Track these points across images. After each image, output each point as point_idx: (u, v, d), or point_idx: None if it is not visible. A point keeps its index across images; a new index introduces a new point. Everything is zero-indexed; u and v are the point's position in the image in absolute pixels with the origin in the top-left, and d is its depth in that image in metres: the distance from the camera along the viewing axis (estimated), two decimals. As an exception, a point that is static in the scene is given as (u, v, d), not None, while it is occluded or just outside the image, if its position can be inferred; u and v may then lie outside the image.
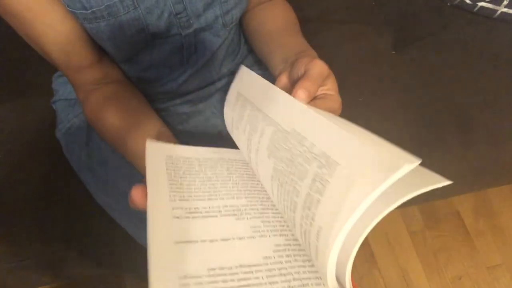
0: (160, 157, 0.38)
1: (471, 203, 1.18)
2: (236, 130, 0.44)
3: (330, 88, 0.38)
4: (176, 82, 0.60)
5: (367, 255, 1.09)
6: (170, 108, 0.63)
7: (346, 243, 0.24)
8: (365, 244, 1.11)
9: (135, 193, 0.32)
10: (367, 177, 0.23)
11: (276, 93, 0.37)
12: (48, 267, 0.74)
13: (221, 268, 0.27)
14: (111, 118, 0.50)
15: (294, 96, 0.35)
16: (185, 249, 0.28)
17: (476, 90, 0.81)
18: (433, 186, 0.22)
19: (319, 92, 0.38)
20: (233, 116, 0.45)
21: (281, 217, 0.35)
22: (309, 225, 0.27)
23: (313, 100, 0.37)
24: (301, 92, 0.34)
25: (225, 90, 0.65)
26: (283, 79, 0.41)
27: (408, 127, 0.77)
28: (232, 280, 0.26)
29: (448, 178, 0.22)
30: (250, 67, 0.68)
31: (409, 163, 0.21)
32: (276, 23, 0.57)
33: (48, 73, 0.70)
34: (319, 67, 0.37)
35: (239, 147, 0.44)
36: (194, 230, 0.30)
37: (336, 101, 0.38)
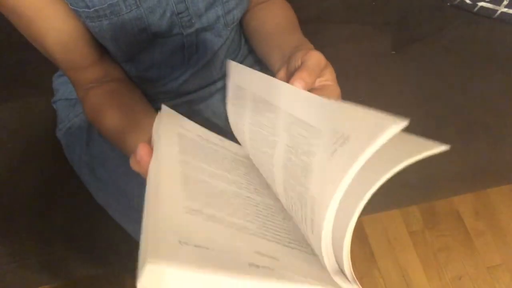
0: (174, 126, 0.39)
1: (471, 203, 1.17)
2: (238, 125, 0.44)
3: (328, 78, 0.38)
4: (177, 82, 0.60)
5: (367, 254, 1.09)
6: (171, 108, 0.63)
7: (339, 220, 0.23)
8: (365, 243, 1.11)
9: (142, 149, 0.32)
10: (356, 140, 0.22)
11: (260, 77, 0.38)
12: (48, 267, 0.74)
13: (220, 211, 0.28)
14: (111, 116, 0.50)
15: None
16: (188, 185, 0.29)
17: (476, 90, 0.81)
18: (429, 152, 0.21)
19: (317, 83, 0.38)
20: (235, 111, 0.45)
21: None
22: (293, 197, 0.28)
23: (311, 91, 0.37)
24: (298, 82, 0.34)
25: (225, 90, 0.65)
26: (281, 74, 0.41)
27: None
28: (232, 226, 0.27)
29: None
30: (250, 66, 0.68)
31: (395, 124, 0.20)
32: (275, 22, 0.57)
33: (48, 73, 0.70)
34: (315, 57, 0.37)
35: (240, 142, 0.44)
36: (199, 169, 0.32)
37: (334, 91, 0.38)
